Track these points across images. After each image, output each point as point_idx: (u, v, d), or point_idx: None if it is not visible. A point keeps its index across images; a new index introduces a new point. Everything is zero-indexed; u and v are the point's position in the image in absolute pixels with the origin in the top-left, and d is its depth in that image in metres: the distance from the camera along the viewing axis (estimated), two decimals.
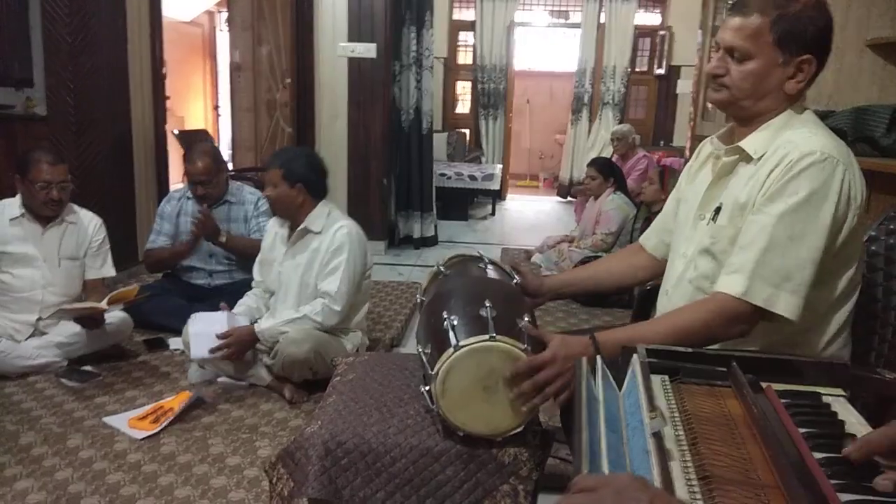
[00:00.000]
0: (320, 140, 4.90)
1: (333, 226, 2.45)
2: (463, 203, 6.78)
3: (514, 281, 1.49)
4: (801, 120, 1.26)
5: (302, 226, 2.44)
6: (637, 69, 7.96)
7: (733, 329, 1.18)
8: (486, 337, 1.18)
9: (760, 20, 1.19)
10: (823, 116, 2.19)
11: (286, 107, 5.08)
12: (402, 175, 5.17)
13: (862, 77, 2.61)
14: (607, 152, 6.42)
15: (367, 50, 4.67)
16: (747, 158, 1.26)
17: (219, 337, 2.31)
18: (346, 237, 2.42)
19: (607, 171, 4.35)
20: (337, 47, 4.71)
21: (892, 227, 1.53)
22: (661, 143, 7.73)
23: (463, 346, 1.19)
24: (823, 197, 1.14)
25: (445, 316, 1.26)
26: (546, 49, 9.75)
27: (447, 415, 1.21)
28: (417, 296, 1.52)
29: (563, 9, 8.41)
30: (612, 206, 4.16)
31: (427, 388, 1.23)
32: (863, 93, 2.53)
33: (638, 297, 1.85)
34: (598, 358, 0.97)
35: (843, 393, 0.92)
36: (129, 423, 2.18)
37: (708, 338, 1.17)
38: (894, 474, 0.59)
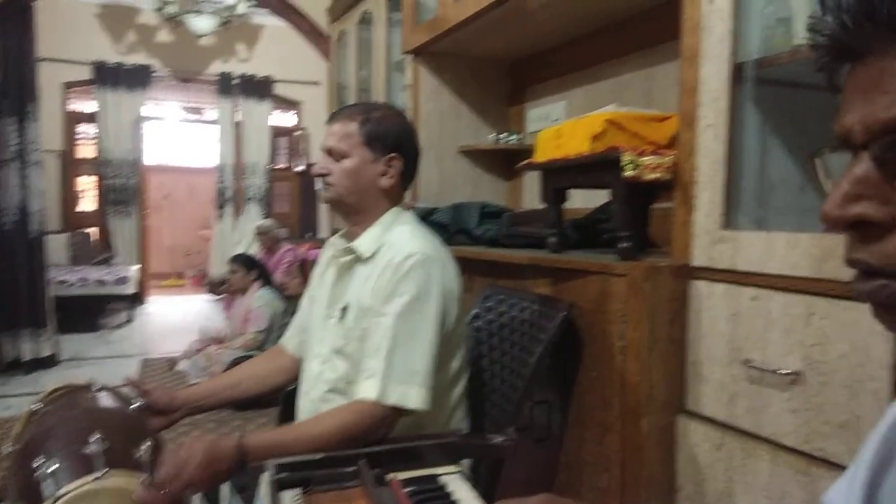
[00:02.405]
0: None
1: None
2: (92, 312, 5.99)
3: (137, 404, 1.32)
4: (402, 221, 1.41)
5: None
6: (278, 166, 8.18)
7: (377, 432, 1.21)
8: (95, 476, 1.01)
9: (351, 124, 1.38)
10: (431, 212, 2.52)
11: None
12: (7, 287, 4.32)
13: (458, 178, 3.11)
14: (255, 247, 6.38)
15: None
16: (361, 258, 1.36)
17: None
18: None
19: (248, 266, 4.31)
20: None
21: (489, 304, 1.80)
22: (307, 235, 8.00)
23: (64, 495, 0.98)
24: (427, 293, 1.28)
25: (40, 462, 1.04)
26: (184, 144, 9.46)
27: None
28: (4, 447, 1.23)
29: (197, 105, 8.28)
30: (260, 302, 4.10)
31: None
32: (460, 191, 3.01)
33: (283, 398, 1.80)
34: (225, 486, 0.89)
35: (458, 469, 1.00)
36: None
37: (351, 443, 1.17)
38: None
